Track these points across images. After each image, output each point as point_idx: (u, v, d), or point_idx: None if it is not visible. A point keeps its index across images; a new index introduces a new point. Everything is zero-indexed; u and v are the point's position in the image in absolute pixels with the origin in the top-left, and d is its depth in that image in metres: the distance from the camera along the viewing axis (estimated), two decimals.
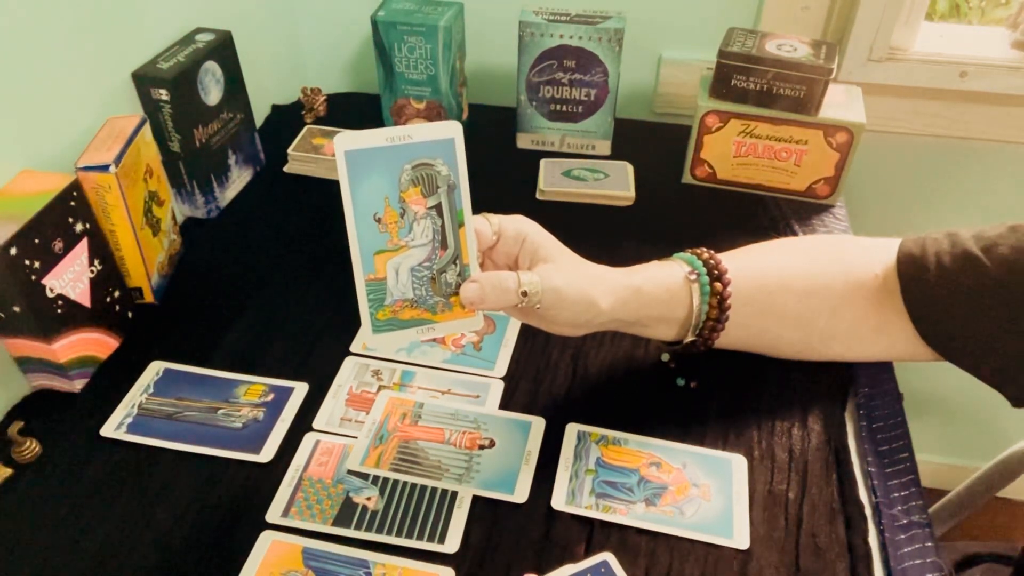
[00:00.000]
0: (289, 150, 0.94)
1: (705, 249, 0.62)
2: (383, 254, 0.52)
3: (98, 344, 0.68)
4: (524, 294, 0.53)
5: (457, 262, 0.54)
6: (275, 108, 1.06)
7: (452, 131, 0.51)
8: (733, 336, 0.63)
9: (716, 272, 0.60)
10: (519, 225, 0.56)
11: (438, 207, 0.52)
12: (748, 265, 0.63)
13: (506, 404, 0.66)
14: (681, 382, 0.67)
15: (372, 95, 1.04)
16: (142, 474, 0.60)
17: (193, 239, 0.83)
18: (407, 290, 0.53)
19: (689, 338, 0.62)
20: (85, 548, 0.55)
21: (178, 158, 0.81)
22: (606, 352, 0.70)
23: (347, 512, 0.57)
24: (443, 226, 0.53)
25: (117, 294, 0.69)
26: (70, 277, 0.63)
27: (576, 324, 0.57)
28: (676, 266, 0.61)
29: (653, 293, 0.59)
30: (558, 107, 0.95)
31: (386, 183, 0.51)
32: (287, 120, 1.03)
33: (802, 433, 0.63)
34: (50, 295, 0.61)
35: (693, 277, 0.60)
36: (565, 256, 0.57)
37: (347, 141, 0.50)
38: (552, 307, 0.55)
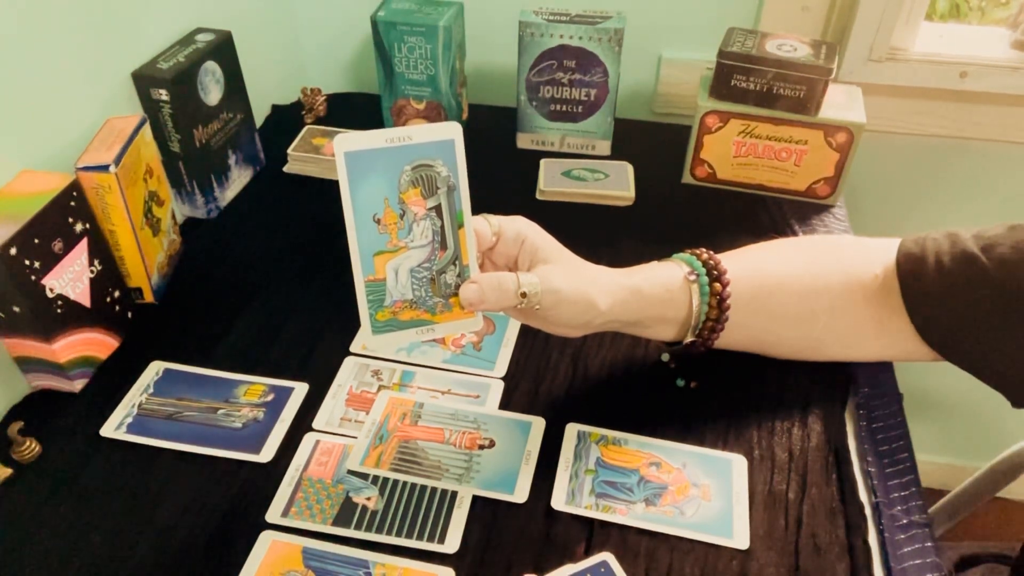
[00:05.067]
0: (289, 150, 0.94)
1: (704, 249, 0.62)
2: (383, 255, 0.52)
3: (98, 344, 0.68)
4: (523, 295, 0.53)
5: (456, 263, 0.54)
6: (275, 108, 1.06)
7: (452, 132, 0.51)
8: (733, 336, 0.63)
9: (715, 272, 0.60)
10: (518, 226, 0.56)
11: (438, 208, 0.52)
12: (747, 265, 0.63)
13: (506, 404, 0.66)
14: (681, 383, 0.67)
15: (372, 95, 1.04)
16: (142, 474, 0.60)
17: (193, 239, 0.83)
18: (407, 291, 0.53)
19: (689, 338, 0.62)
20: (85, 548, 0.55)
21: (178, 158, 0.81)
22: (606, 352, 0.70)
23: (347, 512, 0.57)
24: (443, 227, 0.53)
25: (117, 294, 0.69)
26: (70, 277, 0.63)
27: (575, 325, 0.57)
28: (675, 266, 0.61)
29: (652, 294, 0.59)
30: (558, 107, 0.95)
31: (386, 184, 0.51)
32: (287, 120, 1.03)
33: (802, 433, 0.63)
34: (50, 295, 0.61)
35: (692, 277, 0.60)
36: (564, 257, 0.57)
37: (347, 142, 0.50)
38: (551, 308, 0.55)
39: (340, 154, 0.50)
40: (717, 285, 0.60)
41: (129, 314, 0.72)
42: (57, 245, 0.61)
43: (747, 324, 0.63)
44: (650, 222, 0.87)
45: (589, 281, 0.57)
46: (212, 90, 0.82)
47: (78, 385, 0.66)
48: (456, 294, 0.54)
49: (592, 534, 0.56)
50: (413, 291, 0.53)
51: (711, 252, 0.62)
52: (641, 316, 0.60)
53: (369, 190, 0.51)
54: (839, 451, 0.62)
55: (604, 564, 0.54)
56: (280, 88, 1.07)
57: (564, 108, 0.95)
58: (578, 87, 0.93)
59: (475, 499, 0.58)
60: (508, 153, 0.99)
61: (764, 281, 0.63)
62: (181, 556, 0.54)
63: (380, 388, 0.67)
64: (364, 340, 0.54)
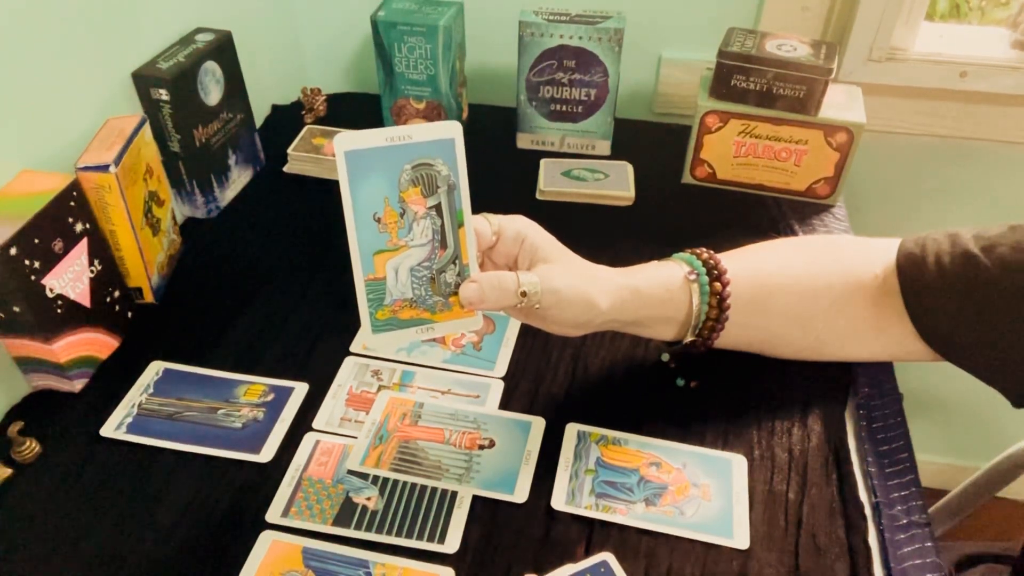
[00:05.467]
0: (289, 150, 0.94)
1: (704, 249, 0.62)
2: (383, 254, 0.52)
3: (98, 344, 0.68)
4: (523, 294, 0.53)
5: (456, 262, 0.54)
6: (275, 108, 1.06)
7: (452, 131, 0.51)
8: (733, 336, 0.63)
9: (715, 272, 0.60)
10: (519, 225, 0.56)
11: (438, 207, 0.52)
12: (747, 265, 0.63)
13: (506, 404, 0.66)
14: (681, 382, 0.67)
15: (372, 95, 1.04)
16: (142, 474, 0.60)
17: (193, 239, 0.83)
18: (406, 290, 0.53)
19: (689, 338, 0.62)
20: (85, 548, 0.55)
21: (178, 158, 0.81)
22: (606, 352, 0.70)
23: (347, 512, 0.57)
24: (443, 226, 0.53)
25: (117, 294, 0.69)
26: (70, 277, 0.63)
27: (575, 324, 0.57)
28: (675, 266, 0.61)
29: (652, 293, 0.59)
30: (558, 107, 0.95)
31: (386, 183, 0.51)
32: (287, 120, 1.03)
33: (802, 433, 0.63)
34: (50, 295, 0.61)
35: (692, 277, 0.60)
36: (565, 256, 0.57)
37: (347, 141, 0.50)
38: (551, 307, 0.55)
39: (340, 153, 0.50)
40: (717, 285, 0.60)
41: (129, 314, 0.72)
42: (57, 245, 0.61)
43: (747, 324, 0.63)
44: (650, 222, 0.87)
45: (589, 280, 0.57)
46: (212, 90, 0.82)
47: (78, 385, 0.66)
48: (456, 293, 0.54)
49: (592, 534, 0.56)
50: (413, 290, 0.53)
51: (711, 252, 0.62)
52: (641, 315, 0.60)
53: (369, 189, 0.51)
54: (839, 451, 0.62)
55: (604, 564, 0.54)
56: (280, 88, 1.07)
57: (564, 108, 0.95)
58: (578, 87, 0.93)
59: (475, 499, 0.58)
60: (508, 153, 0.99)
61: (764, 281, 0.63)
62: (181, 556, 0.54)
63: (380, 388, 0.67)
64: (364, 339, 0.54)
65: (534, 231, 0.57)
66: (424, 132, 0.51)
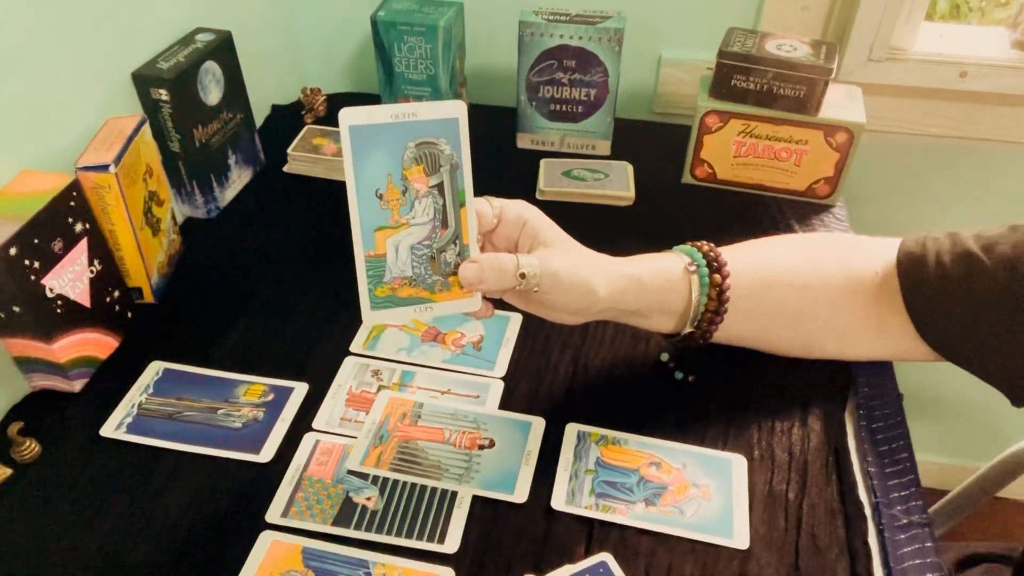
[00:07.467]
0: (289, 150, 0.94)
1: (705, 242, 0.63)
2: (383, 231, 0.52)
3: (98, 344, 0.68)
4: (522, 276, 0.53)
5: (457, 242, 0.54)
6: (275, 108, 1.06)
7: (456, 111, 0.51)
8: (731, 331, 0.63)
9: (716, 264, 0.60)
10: (520, 209, 0.57)
11: (440, 186, 0.52)
12: (748, 259, 0.63)
13: (506, 404, 0.66)
14: (679, 375, 0.67)
15: (372, 95, 1.04)
16: (142, 474, 0.60)
17: (193, 239, 0.83)
18: (406, 268, 0.53)
19: (687, 330, 0.62)
20: (85, 548, 0.55)
21: (178, 158, 0.81)
22: (606, 352, 0.70)
23: (347, 512, 0.57)
24: (444, 205, 0.53)
25: (117, 294, 0.69)
26: (70, 277, 0.63)
27: (574, 311, 0.57)
28: (676, 257, 0.62)
29: (652, 283, 0.59)
30: (558, 107, 0.95)
31: (389, 160, 0.51)
32: (287, 120, 1.03)
33: (802, 433, 0.63)
34: (50, 295, 0.61)
35: (692, 268, 0.60)
36: (565, 242, 0.58)
37: (352, 116, 0.50)
38: (550, 292, 0.55)
39: (345, 127, 0.50)
40: (717, 277, 0.60)
41: (129, 314, 0.72)
42: (57, 245, 0.61)
43: (746, 318, 0.63)
44: (650, 222, 0.87)
45: (589, 267, 0.57)
46: (212, 90, 0.82)
47: (78, 385, 0.66)
48: (455, 273, 0.54)
49: (592, 534, 0.56)
50: (413, 268, 0.53)
51: (712, 245, 0.62)
52: (640, 305, 0.60)
53: (372, 165, 0.51)
54: (839, 451, 0.62)
55: (603, 565, 0.54)
56: (280, 88, 1.07)
57: (564, 108, 0.95)
58: (578, 87, 0.93)
59: (475, 499, 0.58)
60: (508, 153, 0.99)
61: (764, 275, 0.63)
62: (181, 556, 0.54)
63: (380, 388, 0.67)
64: (362, 316, 0.54)
65: (535, 215, 0.57)
66: (429, 111, 0.51)
